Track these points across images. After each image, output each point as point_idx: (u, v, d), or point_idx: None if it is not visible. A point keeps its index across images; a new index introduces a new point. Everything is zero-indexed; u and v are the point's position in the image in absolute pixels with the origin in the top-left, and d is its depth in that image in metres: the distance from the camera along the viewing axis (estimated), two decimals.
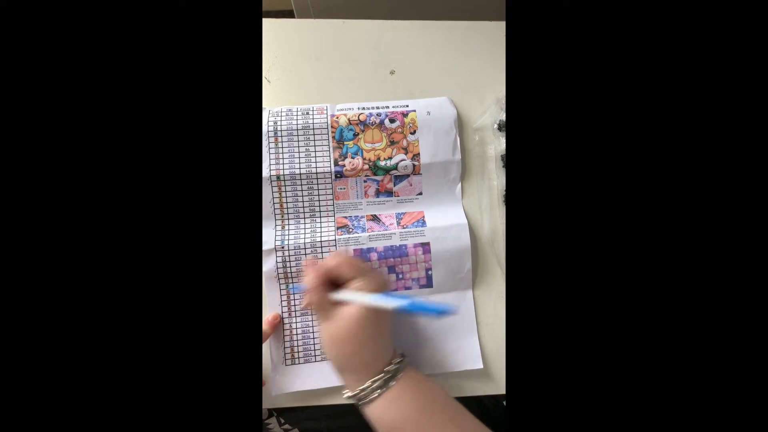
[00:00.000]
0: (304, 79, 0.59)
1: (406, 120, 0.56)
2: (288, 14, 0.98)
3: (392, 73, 0.60)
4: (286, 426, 0.59)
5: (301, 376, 0.52)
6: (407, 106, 0.57)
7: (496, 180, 0.57)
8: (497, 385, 0.52)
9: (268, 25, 0.61)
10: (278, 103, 0.58)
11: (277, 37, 0.60)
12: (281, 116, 0.55)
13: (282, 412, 0.60)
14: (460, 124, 0.59)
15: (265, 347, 0.52)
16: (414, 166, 0.56)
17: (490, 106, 0.58)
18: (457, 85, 0.60)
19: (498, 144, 0.57)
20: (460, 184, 0.57)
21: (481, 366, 0.52)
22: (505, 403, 0.65)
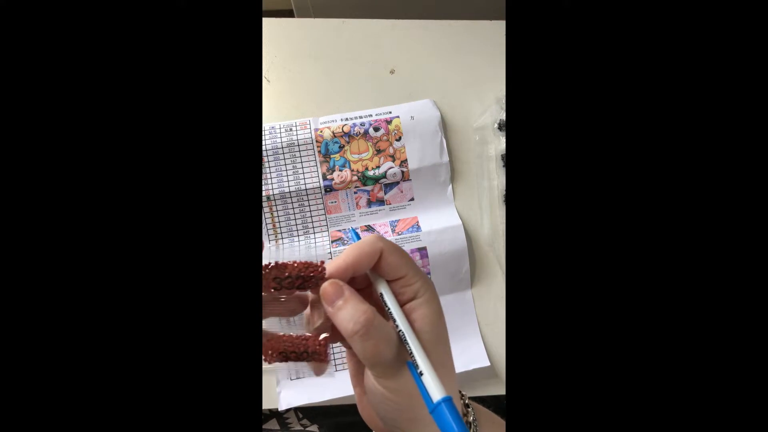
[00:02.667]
0: (303, 78, 0.59)
1: (390, 127, 0.56)
2: (287, 14, 0.98)
3: (392, 72, 0.60)
4: (305, 421, 0.59)
5: (308, 390, 0.51)
6: (390, 112, 0.57)
7: (497, 180, 0.57)
8: (504, 385, 0.52)
9: (268, 24, 0.60)
10: (278, 102, 0.58)
11: (277, 36, 0.60)
12: (264, 135, 0.55)
13: (300, 407, 0.60)
14: (458, 124, 0.59)
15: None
16: (403, 172, 0.56)
17: (490, 106, 0.58)
18: (457, 84, 0.60)
19: (498, 143, 0.57)
20: (450, 186, 0.57)
21: (488, 363, 0.52)
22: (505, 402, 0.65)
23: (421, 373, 0.25)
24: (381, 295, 0.27)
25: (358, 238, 0.28)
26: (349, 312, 0.25)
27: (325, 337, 0.28)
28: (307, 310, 0.29)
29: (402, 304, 0.27)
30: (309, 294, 0.28)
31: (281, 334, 0.28)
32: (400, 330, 0.26)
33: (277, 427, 0.59)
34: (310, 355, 0.27)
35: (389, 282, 0.28)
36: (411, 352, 0.25)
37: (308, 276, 0.26)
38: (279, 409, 0.51)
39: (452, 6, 0.87)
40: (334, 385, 0.51)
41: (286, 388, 0.51)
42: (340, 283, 0.26)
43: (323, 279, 0.26)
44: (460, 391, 0.30)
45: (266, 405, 0.52)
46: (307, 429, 0.59)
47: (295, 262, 0.27)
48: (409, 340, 0.26)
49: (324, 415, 0.59)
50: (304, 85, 0.59)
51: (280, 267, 0.27)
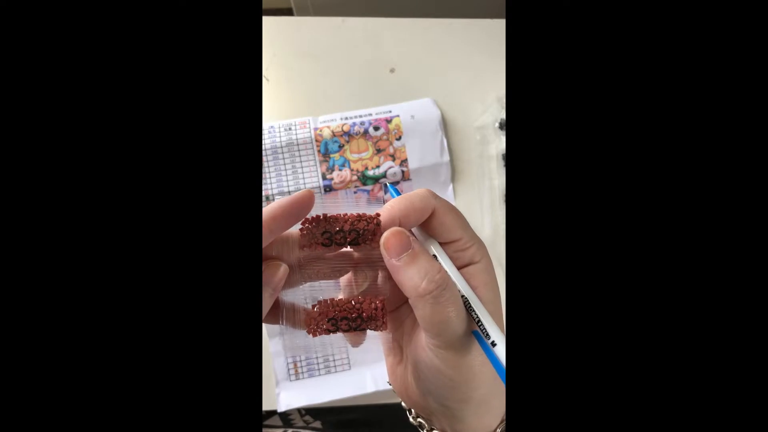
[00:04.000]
0: (302, 77, 0.59)
1: (390, 126, 0.56)
2: (287, 12, 0.97)
3: (392, 71, 0.60)
4: (307, 417, 0.59)
5: (307, 391, 0.51)
6: (390, 111, 0.57)
7: (498, 179, 0.57)
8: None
9: (267, 22, 0.60)
10: (277, 101, 0.58)
11: (276, 34, 0.60)
12: (263, 134, 0.55)
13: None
14: (458, 123, 0.58)
15: (267, 363, 0.51)
16: (403, 172, 0.55)
17: (491, 105, 0.58)
18: (457, 83, 0.59)
19: (499, 143, 0.57)
20: (451, 186, 0.57)
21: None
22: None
23: (493, 344, 0.22)
24: (434, 257, 0.24)
25: (398, 194, 0.25)
26: (422, 267, 0.22)
27: (382, 299, 0.24)
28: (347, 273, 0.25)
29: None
30: (353, 252, 0.25)
31: (327, 299, 0.24)
32: (463, 296, 0.23)
33: (280, 424, 0.59)
34: (365, 321, 0.24)
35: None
36: (479, 321, 0.23)
37: (362, 230, 0.23)
38: (278, 411, 0.51)
39: (453, 4, 0.87)
40: (333, 386, 0.51)
41: (286, 389, 0.51)
42: (406, 233, 0.22)
43: (377, 234, 0.23)
44: None
45: (265, 406, 0.52)
46: (310, 425, 0.59)
47: (346, 213, 0.24)
48: (475, 308, 0.23)
49: (328, 412, 0.59)
50: (303, 84, 0.59)
51: (330, 220, 0.24)
